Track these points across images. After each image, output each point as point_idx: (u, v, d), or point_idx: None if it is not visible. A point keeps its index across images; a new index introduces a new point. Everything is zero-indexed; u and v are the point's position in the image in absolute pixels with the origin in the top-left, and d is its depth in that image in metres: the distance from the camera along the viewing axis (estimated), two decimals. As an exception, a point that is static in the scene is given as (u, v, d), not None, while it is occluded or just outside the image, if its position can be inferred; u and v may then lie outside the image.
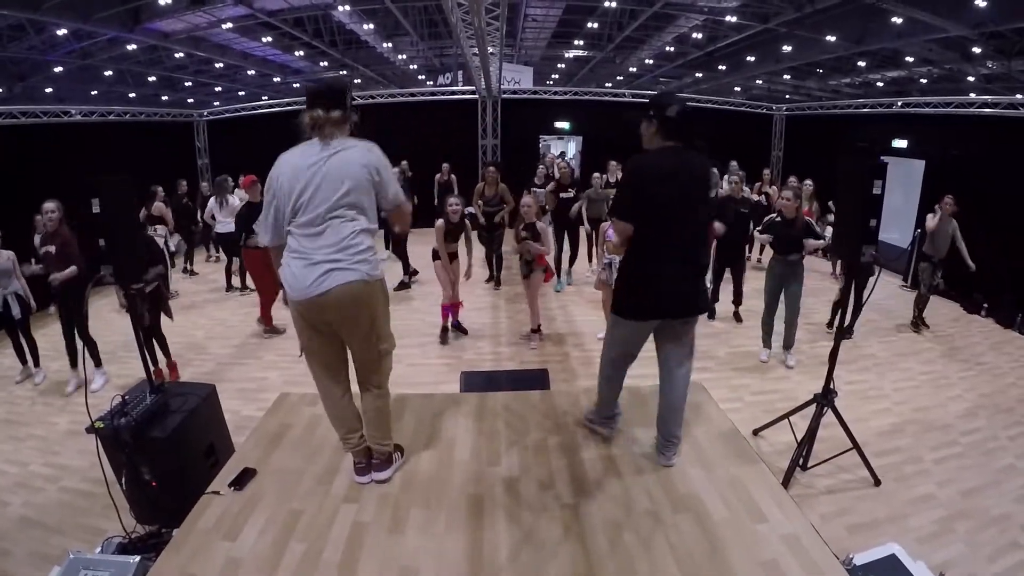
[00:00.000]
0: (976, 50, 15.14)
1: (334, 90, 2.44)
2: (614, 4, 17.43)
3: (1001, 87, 15.59)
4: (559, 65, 26.55)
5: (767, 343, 6.06)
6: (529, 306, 6.38)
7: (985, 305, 7.97)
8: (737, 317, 7.20)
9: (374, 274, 2.43)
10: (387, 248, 9.85)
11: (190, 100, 24.70)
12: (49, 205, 5.32)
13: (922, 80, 19.63)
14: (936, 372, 6.02)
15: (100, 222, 3.31)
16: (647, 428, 3.08)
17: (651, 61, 24.44)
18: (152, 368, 5.56)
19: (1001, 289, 7.76)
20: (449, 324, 6.68)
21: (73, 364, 5.59)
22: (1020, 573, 3.25)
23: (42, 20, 13.61)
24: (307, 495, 2.63)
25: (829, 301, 7.19)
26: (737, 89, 25.90)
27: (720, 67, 23.05)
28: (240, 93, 25.43)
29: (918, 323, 7.18)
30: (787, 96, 24.86)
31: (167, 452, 3.24)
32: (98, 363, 5.67)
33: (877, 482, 3.97)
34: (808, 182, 8.13)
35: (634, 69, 26.07)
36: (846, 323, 4.02)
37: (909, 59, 17.90)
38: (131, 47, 17.61)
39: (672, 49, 22.05)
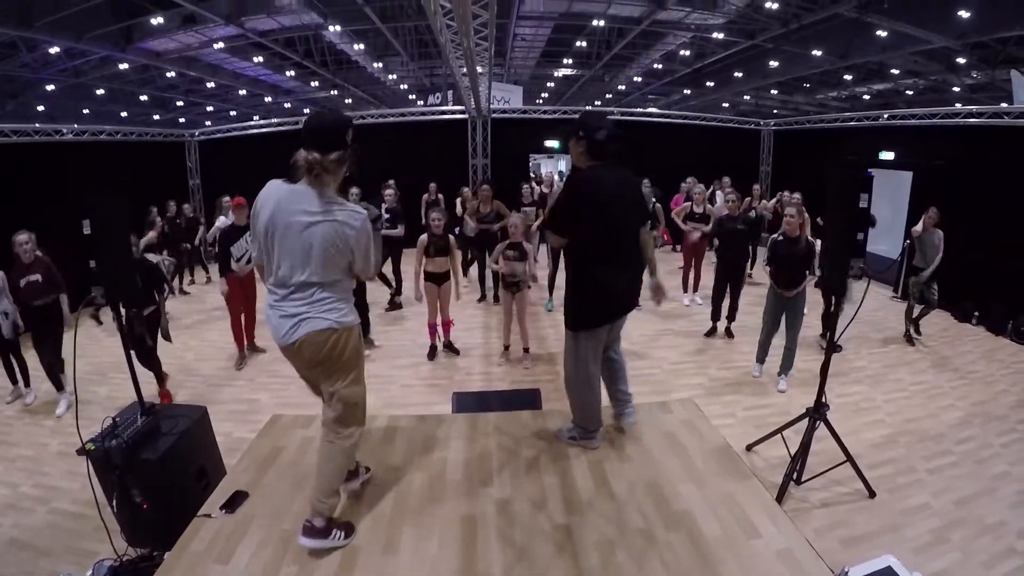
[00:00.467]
0: (960, 60, 15.40)
1: (334, 129, 2.37)
2: (602, 23, 17.67)
3: (986, 96, 15.83)
4: (548, 84, 26.83)
5: (760, 359, 6.06)
6: (520, 325, 6.35)
7: (975, 313, 8.02)
8: (729, 333, 7.20)
9: (343, 321, 2.42)
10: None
11: (182, 120, 24.78)
12: (22, 236, 5.33)
13: (908, 92, 19.93)
14: (928, 382, 6.04)
15: (92, 242, 3.29)
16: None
17: (639, 79, 24.77)
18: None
19: (991, 297, 7.82)
20: (439, 343, 6.66)
21: (58, 388, 5.61)
22: (1016, 581, 3.25)
23: (35, 38, 13.72)
24: (299, 517, 2.60)
25: (819, 314, 7.21)
26: (725, 105, 26.22)
27: (708, 83, 23.36)
28: (231, 113, 25.54)
29: (911, 334, 7.20)
30: (775, 111, 25.19)
31: (158, 474, 3.21)
32: (60, 387, 5.63)
33: (871, 494, 3.98)
34: (796, 195, 8.15)
35: (623, 87, 26.39)
36: (836, 336, 4.02)
37: (894, 71, 18.20)
38: (123, 66, 17.74)
39: (660, 66, 22.36)
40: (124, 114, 22.12)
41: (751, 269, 9.78)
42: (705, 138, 13.37)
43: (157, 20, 15.16)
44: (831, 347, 4.01)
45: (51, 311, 5.46)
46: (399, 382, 6.01)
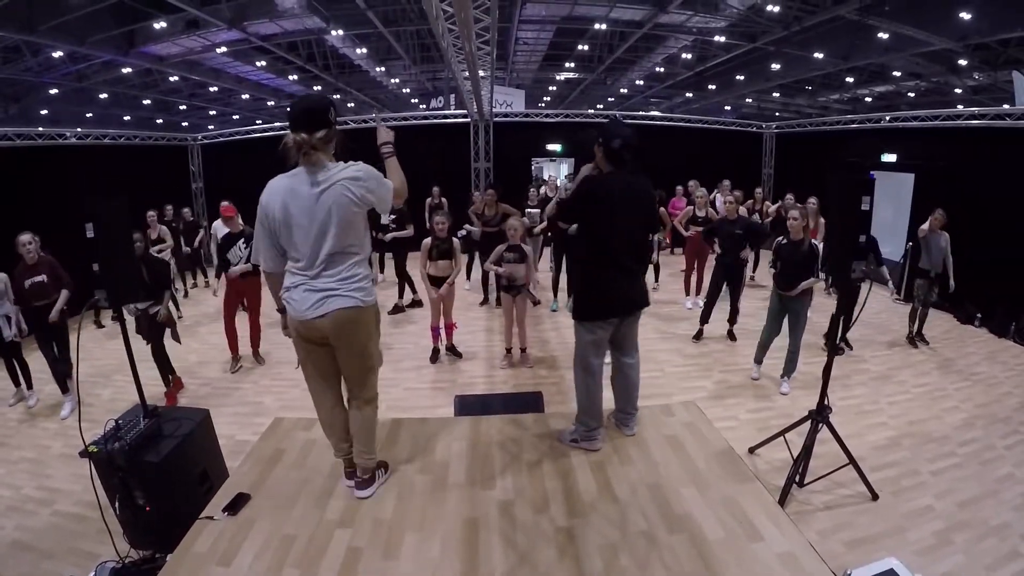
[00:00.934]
0: (962, 62, 15.39)
1: (318, 109, 2.51)
2: (604, 27, 17.70)
3: (987, 98, 15.82)
4: (550, 87, 26.85)
5: (759, 359, 6.05)
6: (518, 327, 6.36)
7: (979, 315, 8.00)
8: (731, 336, 7.19)
9: (368, 300, 2.58)
10: (382, 272, 9.97)
11: (184, 123, 24.85)
12: (25, 237, 5.33)
13: (910, 94, 19.92)
14: (931, 384, 6.02)
15: (95, 245, 3.29)
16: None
17: (641, 82, 24.79)
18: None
19: (994, 299, 7.79)
20: (442, 346, 6.66)
21: (64, 390, 5.61)
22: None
23: (38, 42, 13.78)
24: (301, 520, 2.61)
25: (827, 316, 7.18)
26: (727, 108, 26.21)
27: (710, 86, 23.37)
28: (234, 117, 25.62)
29: (914, 338, 7.18)
30: (777, 114, 25.18)
31: (161, 477, 3.21)
32: (65, 389, 5.63)
33: (874, 496, 3.96)
34: (812, 200, 8.04)
35: (625, 90, 26.42)
36: (837, 339, 4.02)
37: (896, 73, 18.20)
38: (126, 70, 17.80)
39: (662, 70, 22.39)
40: (127, 118, 22.20)
41: (753, 272, 9.79)
42: (707, 141, 13.36)
43: (160, 24, 15.22)
44: (833, 349, 4.01)
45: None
46: (402, 385, 6.01)
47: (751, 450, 4.54)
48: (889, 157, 10.25)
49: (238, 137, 13.18)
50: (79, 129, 10.43)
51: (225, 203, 6.49)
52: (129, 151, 11.19)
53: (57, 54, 15.27)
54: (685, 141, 13.13)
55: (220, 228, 8.45)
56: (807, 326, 5.73)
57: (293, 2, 15.42)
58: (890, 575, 2.50)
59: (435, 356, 6.61)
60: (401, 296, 8.56)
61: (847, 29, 15.03)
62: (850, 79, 19.34)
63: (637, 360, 3.41)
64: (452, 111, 14.84)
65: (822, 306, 7.97)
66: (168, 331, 5.69)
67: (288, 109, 2.54)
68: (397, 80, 24.53)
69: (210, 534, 2.51)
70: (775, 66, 19.32)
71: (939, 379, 6.16)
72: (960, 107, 11.57)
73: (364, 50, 19.79)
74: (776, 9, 14.99)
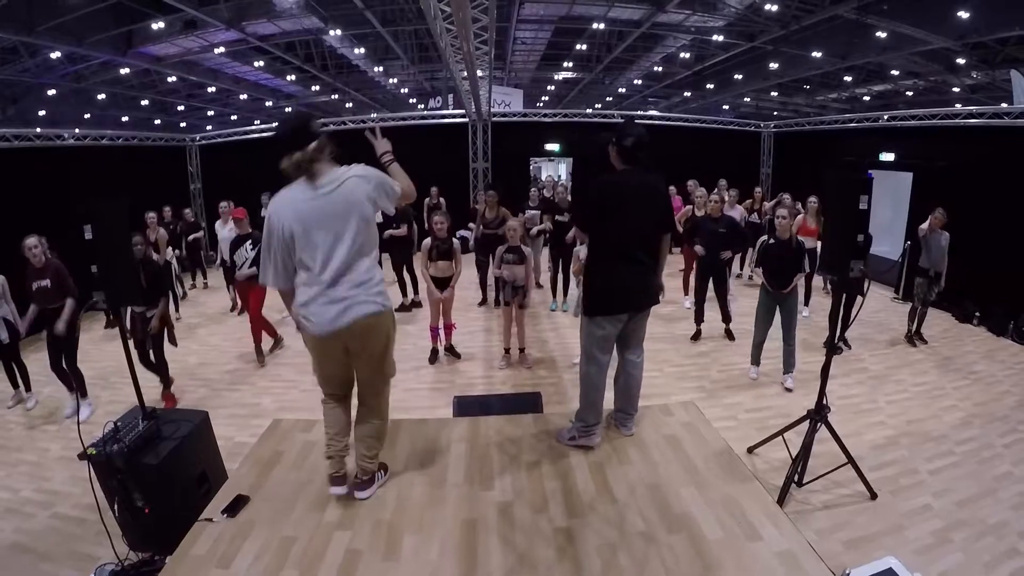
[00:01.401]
0: (960, 61, 15.40)
1: (300, 126, 2.52)
2: (602, 26, 17.69)
3: (985, 96, 15.83)
4: (549, 87, 26.84)
5: (756, 360, 6.07)
6: (517, 327, 6.36)
7: (977, 314, 8.02)
8: (729, 335, 7.21)
9: (388, 304, 2.62)
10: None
11: (183, 124, 24.81)
12: (31, 240, 5.19)
13: (908, 93, 19.93)
14: (929, 383, 6.03)
15: (93, 247, 3.28)
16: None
17: (640, 82, 24.79)
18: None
19: (992, 297, 7.81)
20: (440, 347, 6.66)
21: (70, 388, 5.54)
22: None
23: (36, 43, 13.76)
24: (300, 522, 2.61)
25: (826, 315, 7.20)
26: (725, 107, 26.22)
27: (708, 86, 23.37)
28: (232, 117, 25.58)
29: (913, 337, 7.18)
30: (775, 113, 25.18)
31: (160, 479, 3.20)
32: (84, 394, 5.57)
33: (873, 495, 3.97)
34: (813, 199, 8.03)
35: (623, 90, 26.41)
36: (836, 338, 4.02)
37: (894, 72, 18.20)
38: (124, 71, 17.78)
39: (660, 69, 22.39)
40: (125, 119, 22.17)
41: (747, 270, 9.80)
42: (705, 140, 13.36)
43: (158, 25, 15.21)
44: (831, 349, 4.01)
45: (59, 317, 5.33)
46: (400, 386, 5.96)
47: (750, 450, 4.55)
48: (887, 156, 10.25)
49: (236, 138, 13.18)
50: (77, 130, 10.42)
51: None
52: (127, 152, 11.18)
53: (55, 55, 15.25)
54: (683, 140, 13.12)
55: (221, 229, 8.49)
56: (807, 326, 5.74)
57: (291, 2, 15.42)
58: (889, 574, 2.49)
59: (434, 357, 6.61)
60: (404, 295, 8.56)
61: (845, 28, 15.05)
62: (848, 78, 19.35)
63: (642, 359, 3.41)
64: (450, 111, 14.86)
65: (822, 306, 7.99)
66: (166, 333, 5.68)
67: (273, 139, 2.52)
68: (395, 80, 24.53)
69: (209, 536, 2.51)
70: (773, 65, 19.33)
71: (937, 378, 6.17)
72: (958, 106, 11.59)
73: (362, 50, 19.79)
74: (774, 8, 15.00)
